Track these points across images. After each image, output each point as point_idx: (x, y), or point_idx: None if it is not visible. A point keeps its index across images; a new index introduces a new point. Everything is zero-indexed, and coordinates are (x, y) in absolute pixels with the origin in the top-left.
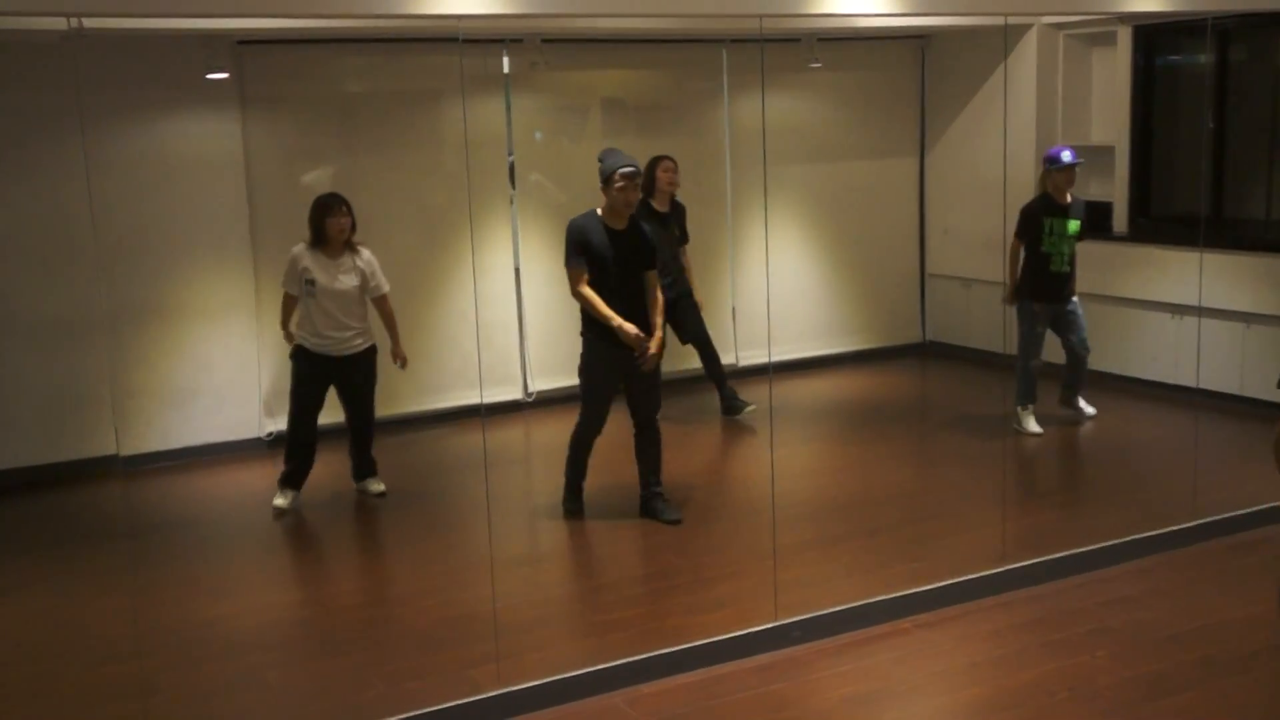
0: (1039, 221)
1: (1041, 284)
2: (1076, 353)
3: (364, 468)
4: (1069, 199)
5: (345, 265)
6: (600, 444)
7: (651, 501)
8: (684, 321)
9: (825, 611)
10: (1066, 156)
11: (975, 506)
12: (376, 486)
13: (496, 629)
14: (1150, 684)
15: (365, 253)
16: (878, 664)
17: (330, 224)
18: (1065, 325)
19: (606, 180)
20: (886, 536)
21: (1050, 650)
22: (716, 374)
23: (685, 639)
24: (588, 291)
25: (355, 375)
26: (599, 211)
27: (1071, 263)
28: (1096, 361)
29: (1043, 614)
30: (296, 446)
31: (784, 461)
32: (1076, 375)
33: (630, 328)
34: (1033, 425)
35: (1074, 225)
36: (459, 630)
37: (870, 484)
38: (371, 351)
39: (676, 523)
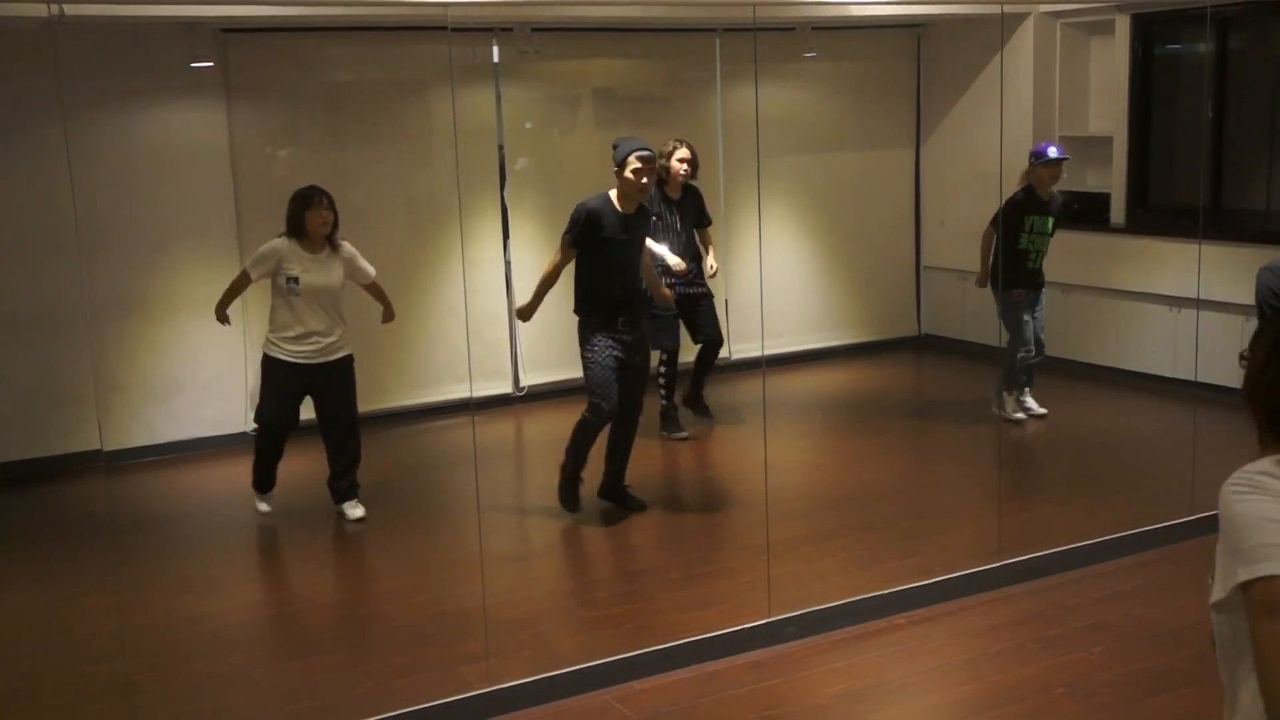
0: (1020, 218)
1: (1019, 277)
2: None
3: (347, 490)
4: (1049, 195)
5: (328, 260)
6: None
7: (615, 489)
8: (702, 322)
9: (819, 607)
10: (1053, 152)
11: (971, 501)
12: (356, 511)
13: (486, 626)
14: (1148, 680)
15: (346, 245)
16: (872, 660)
17: (311, 218)
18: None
19: (621, 164)
20: (881, 532)
21: (1047, 646)
22: (705, 365)
23: (677, 635)
24: (555, 274)
25: (336, 387)
26: (611, 195)
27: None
28: (1095, 355)
29: (1039, 609)
30: (266, 457)
31: (778, 456)
32: (1028, 372)
33: (528, 309)
34: (1015, 412)
35: (1051, 223)
36: (448, 627)
37: (865, 479)
38: (350, 360)
39: (643, 508)
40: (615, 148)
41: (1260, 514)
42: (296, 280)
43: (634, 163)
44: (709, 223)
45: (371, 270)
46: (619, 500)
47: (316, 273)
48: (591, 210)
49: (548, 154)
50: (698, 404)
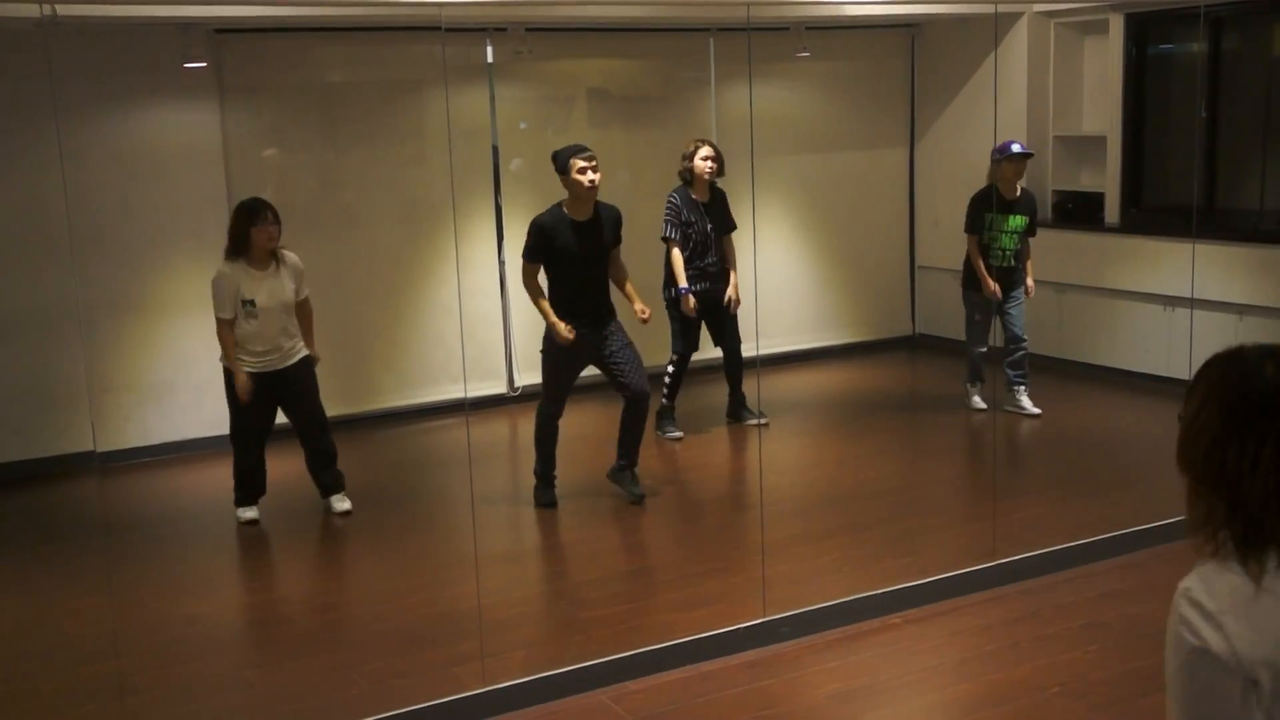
0: (980, 215)
1: (990, 275)
2: (1011, 346)
3: (332, 483)
4: (1018, 192)
5: (278, 274)
6: (584, 439)
7: (621, 472)
8: (722, 327)
9: (814, 607)
10: (1016, 148)
11: (965, 501)
12: (343, 504)
13: (481, 626)
14: (1142, 679)
15: (291, 256)
16: (867, 660)
17: (257, 234)
18: (1004, 317)
19: (565, 169)
20: (876, 531)
21: (1041, 645)
22: (734, 376)
23: (672, 635)
24: (535, 286)
25: (300, 388)
26: (564, 206)
27: (1017, 258)
28: (1089, 354)
29: (1034, 609)
30: (247, 471)
31: (773, 456)
32: (1017, 369)
33: (563, 329)
34: (977, 402)
35: (1017, 220)
36: (443, 628)
37: (859, 478)
38: (309, 359)
39: (640, 499)
40: (555, 158)
41: (1216, 699)
42: (254, 303)
43: (579, 162)
44: (734, 227)
45: (307, 290)
46: (623, 484)
47: (270, 292)
48: (543, 224)
49: (542, 154)
50: (740, 412)
